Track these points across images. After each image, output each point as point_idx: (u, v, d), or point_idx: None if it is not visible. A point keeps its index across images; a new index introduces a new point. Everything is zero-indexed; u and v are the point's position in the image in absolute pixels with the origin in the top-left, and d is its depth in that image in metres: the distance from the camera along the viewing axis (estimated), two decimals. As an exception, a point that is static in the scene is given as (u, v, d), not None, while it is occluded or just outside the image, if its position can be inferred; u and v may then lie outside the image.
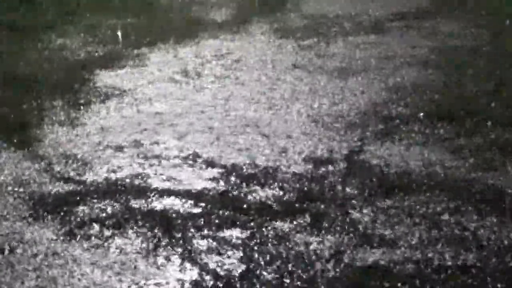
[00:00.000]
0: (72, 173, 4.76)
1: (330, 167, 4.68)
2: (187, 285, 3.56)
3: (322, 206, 4.22)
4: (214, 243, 3.89)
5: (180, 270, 3.68)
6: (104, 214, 4.23)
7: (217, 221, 4.11)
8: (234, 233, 3.98)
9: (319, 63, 6.83)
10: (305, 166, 4.72)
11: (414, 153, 4.84)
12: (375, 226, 3.98)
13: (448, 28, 7.83)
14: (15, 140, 5.24)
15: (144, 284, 3.58)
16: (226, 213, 4.19)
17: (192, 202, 4.33)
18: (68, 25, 8.55)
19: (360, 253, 3.74)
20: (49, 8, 9.27)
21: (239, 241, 3.91)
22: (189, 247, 3.86)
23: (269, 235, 3.95)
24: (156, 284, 3.58)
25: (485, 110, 5.42)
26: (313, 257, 3.73)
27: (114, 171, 4.76)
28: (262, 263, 3.70)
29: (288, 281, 3.55)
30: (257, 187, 4.48)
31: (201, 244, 3.89)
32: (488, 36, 7.41)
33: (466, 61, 6.65)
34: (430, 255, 3.70)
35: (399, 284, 3.47)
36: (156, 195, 4.42)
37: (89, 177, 4.70)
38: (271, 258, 3.74)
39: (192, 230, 4.02)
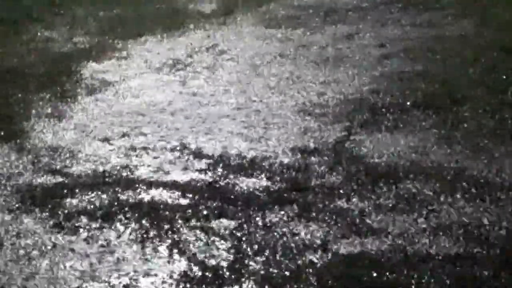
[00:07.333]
0: (59, 165, 4.75)
1: (318, 157, 4.69)
2: (175, 276, 3.56)
3: (310, 196, 4.22)
4: (202, 234, 3.90)
5: (168, 261, 3.68)
6: (92, 206, 4.22)
7: (205, 212, 4.11)
8: (222, 224, 3.99)
9: (305, 53, 6.83)
10: (292, 156, 4.73)
11: (401, 142, 4.85)
12: (362, 216, 3.99)
13: (432, 16, 7.84)
14: (1, 133, 5.22)
15: (133, 275, 3.58)
16: (214, 204, 4.19)
17: (179, 193, 4.34)
18: (54, 17, 8.51)
19: (348, 243, 3.76)
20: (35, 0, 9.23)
21: (227, 232, 3.91)
22: (177, 238, 3.86)
23: (257, 226, 3.95)
24: (144, 275, 3.58)
25: (471, 98, 5.44)
26: (301, 247, 3.74)
27: (101, 163, 4.76)
28: (250, 253, 3.70)
29: (276, 271, 3.56)
30: (245, 178, 4.48)
31: (189, 235, 3.90)
32: (473, 25, 7.42)
33: (451, 50, 6.65)
34: (418, 244, 3.71)
35: (387, 273, 3.49)
36: (144, 187, 4.42)
37: (76, 169, 4.69)
38: (259, 248, 3.74)
39: (180, 221, 4.02)
